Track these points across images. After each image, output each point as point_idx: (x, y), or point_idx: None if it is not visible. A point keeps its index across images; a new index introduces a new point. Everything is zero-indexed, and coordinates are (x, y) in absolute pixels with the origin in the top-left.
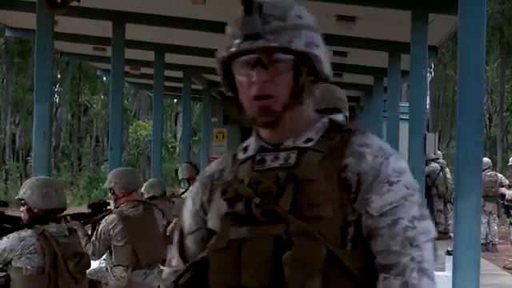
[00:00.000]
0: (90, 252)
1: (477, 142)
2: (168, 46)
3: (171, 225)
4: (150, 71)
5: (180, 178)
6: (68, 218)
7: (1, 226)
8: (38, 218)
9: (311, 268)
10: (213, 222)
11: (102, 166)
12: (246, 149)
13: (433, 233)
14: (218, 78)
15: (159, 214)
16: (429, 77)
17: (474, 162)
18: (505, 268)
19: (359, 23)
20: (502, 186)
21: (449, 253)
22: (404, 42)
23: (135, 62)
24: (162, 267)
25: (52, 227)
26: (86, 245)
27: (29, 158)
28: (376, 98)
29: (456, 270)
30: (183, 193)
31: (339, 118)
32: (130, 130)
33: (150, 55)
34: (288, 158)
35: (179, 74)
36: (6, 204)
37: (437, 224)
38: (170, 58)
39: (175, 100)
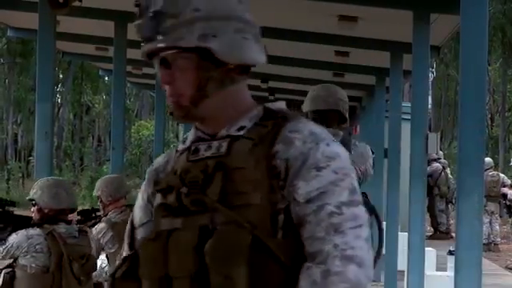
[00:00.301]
0: None
1: (479, 142)
2: None
3: None
4: (152, 71)
5: None
6: None
7: (9, 224)
8: (49, 218)
9: (234, 257)
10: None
11: (104, 166)
12: (185, 140)
13: (364, 219)
14: None
15: None
16: (431, 77)
17: (475, 161)
18: (507, 268)
19: (361, 23)
20: (504, 186)
21: (451, 253)
22: (406, 41)
23: (137, 61)
24: None
25: (61, 227)
26: None
27: (31, 157)
28: (378, 98)
29: (458, 269)
30: None
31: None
32: (132, 130)
33: None
34: (220, 147)
35: None
36: (13, 203)
37: (438, 224)
38: None
39: None
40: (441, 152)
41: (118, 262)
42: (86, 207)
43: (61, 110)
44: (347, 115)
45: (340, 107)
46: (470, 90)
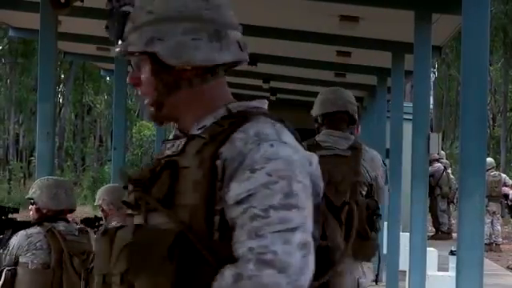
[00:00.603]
0: None
1: (480, 142)
2: None
3: None
4: None
5: None
6: None
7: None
8: (48, 217)
9: (153, 257)
10: None
11: (106, 166)
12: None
13: (298, 223)
14: None
15: None
16: (432, 77)
17: (477, 162)
18: (508, 268)
19: (362, 23)
20: (506, 186)
21: (452, 253)
22: (407, 42)
23: None
24: None
25: (61, 225)
26: None
27: (32, 158)
28: (379, 99)
29: (459, 270)
30: None
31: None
32: (134, 130)
33: None
34: (179, 146)
35: None
36: (16, 210)
37: (440, 224)
38: None
39: None
40: (443, 152)
41: None
42: (88, 207)
43: (62, 110)
44: (356, 116)
45: (348, 108)
46: (472, 90)
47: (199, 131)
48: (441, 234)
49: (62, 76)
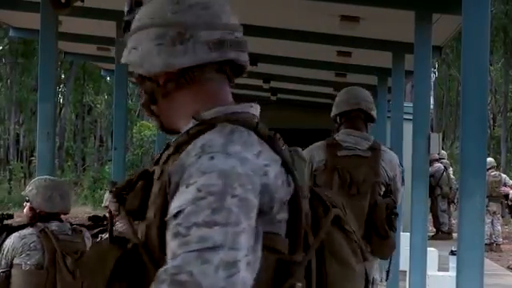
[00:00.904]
0: None
1: (481, 142)
2: None
3: None
4: None
5: None
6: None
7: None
8: (41, 217)
9: (99, 271)
10: None
11: (106, 166)
12: None
13: (220, 241)
14: None
15: None
16: (433, 77)
17: (477, 162)
18: (509, 268)
19: (363, 23)
20: (506, 186)
21: (452, 253)
22: (408, 42)
23: None
24: None
25: (54, 225)
26: None
27: (33, 158)
28: (380, 99)
29: (460, 270)
30: None
31: None
32: (134, 130)
33: None
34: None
35: None
36: (11, 216)
37: (441, 224)
38: None
39: None
40: (444, 152)
41: None
42: (88, 207)
43: (63, 111)
44: (374, 114)
45: (362, 106)
46: (472, 90)
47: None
48: (441, 234)
49: (63, 76)
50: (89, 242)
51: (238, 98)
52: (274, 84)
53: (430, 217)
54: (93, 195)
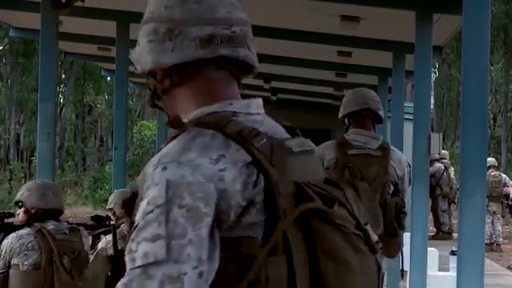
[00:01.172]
0: None
1: (481, 142)
2: None
3: None
4: None
5: None
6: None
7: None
8: (37, 217)
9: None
10: None
11: (107, 166)
12: None
13: (162, 255)
14: None
15: None
16: (433, 77)
17: (478, 162)
18: (509, 268)
19: (363, 23)
20: (506, 186)
21: (453, 253)
22: (408, 42)
23: None
24: None
25: (50, 225)
26: None
27: (33, 158)
28: (380, 98)
29: (460, 269)
30: None
31: None
32: (135, 130)
33: None
34: None
35: None
36: (12, 215)
37: (441, 224)
38: None
39: None
40: (446, 152)
41: None
42: (89, 207)
43: (63, 110)
44: (381, 113)
45: (370, 105)
46: (472, 90)
47: None
48: (442, 233)
49: (63, 76)
50: (86, 241)
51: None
52: (274, 84)
53: (430, 217)
54: (93, 195)
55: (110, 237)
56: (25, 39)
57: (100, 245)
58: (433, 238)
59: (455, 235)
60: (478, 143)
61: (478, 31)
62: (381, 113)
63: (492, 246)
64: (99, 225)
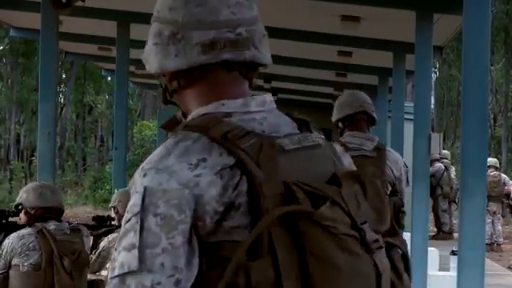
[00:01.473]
0: None
1: (481, 142)
2: None
3: None
4: None
5: None
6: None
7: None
8: (38, 217)
9: None
10: None
11: (107, 166)
12: None
13: (134, 265)
14: None
15: None
16: (433, 77)
17: (478, 162)
18: (509, 268)
19: (364, 23)
20: (505, 186)
21: (453, 253)
22: (409, 42)
23: (140, 61)
24: None
25: (51, 225)
26: None
27: (33, 157)
28: (381, 98)
29: (460, 269)
30: None
31: None
32: (135, 130)
33: None
34: None
35: None
36: (16, 214)
37: (441, 224)
38: None
39: None
40: (447, 152)
41: None
42: (89, 207)
43: (63, 110)
44: (375, 115)
45: (366, 108)
46: (473, 90)
47: None
48: (442, 233)
49: (63, 76)
50: (87, 241)
51: None
52: (274, 84)
53: (430, 217)
54: (93, 195)
55: (111, 236)
56: (25, 39)
57: (102, 244)
58: (433, 237)
59: (456, 235)
60: (479, 143)
61: (478, 31)
62: (375, 114)
63: (492, 246)
64: (100, 225)
